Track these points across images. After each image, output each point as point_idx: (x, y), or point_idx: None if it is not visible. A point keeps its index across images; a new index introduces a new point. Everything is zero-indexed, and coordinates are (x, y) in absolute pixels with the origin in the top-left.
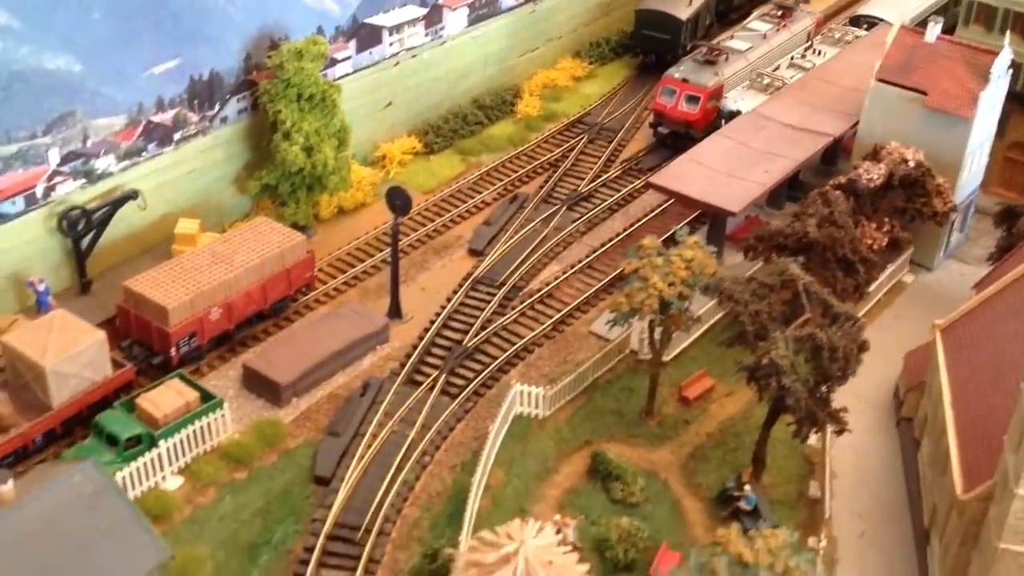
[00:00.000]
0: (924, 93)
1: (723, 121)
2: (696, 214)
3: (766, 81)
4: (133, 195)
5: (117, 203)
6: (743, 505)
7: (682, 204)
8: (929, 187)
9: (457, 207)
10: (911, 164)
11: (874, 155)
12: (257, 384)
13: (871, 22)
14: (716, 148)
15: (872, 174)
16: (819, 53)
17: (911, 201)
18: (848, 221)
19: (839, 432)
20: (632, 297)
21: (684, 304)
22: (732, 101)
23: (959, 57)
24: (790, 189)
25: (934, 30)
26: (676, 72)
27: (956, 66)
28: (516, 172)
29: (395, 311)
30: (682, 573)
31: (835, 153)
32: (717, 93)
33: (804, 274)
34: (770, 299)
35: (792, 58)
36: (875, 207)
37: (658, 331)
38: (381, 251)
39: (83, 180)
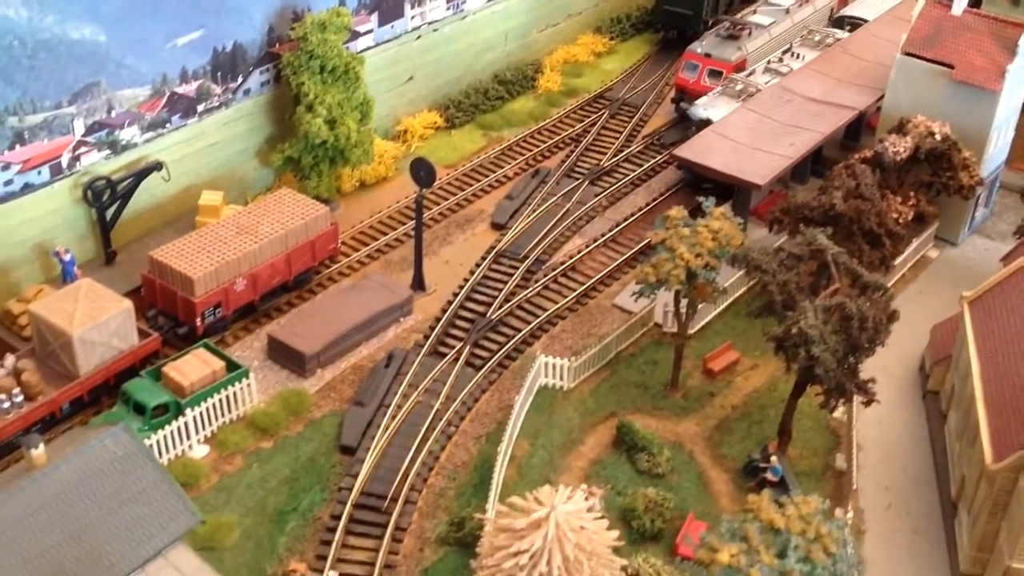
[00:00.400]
0: (950, 66)
1: (693, 129)
2: (716, 189)
3: (739, 87)
4: (157, 166)
5: (141, 174)
6: (769, 476)
7: (707, 177)
8: (955, 161)
9: (479, 181)
10: (938, 137)
11: (900, 128)
12: (282, 355)
13: (855, 23)
14: (741, 121)
15: (898, 147)
16: (798, 56)
17: (937, 175)
18: (875, 193)
19: (867, 403)
20: (659, 267)
21: (711, 275)
22: (703, 108)
23: (986, 30)
24: (814, 164)
25: (961, 3)
26: (699, 47)
27: (983, 39)
28: (538, 147)
29: (418, 283)
30: (715, 538)
31: (859, 129)
32: (740, 68)
33: (833, 244)
34: (798, 269)
35: (768, 62)
36: (900, 181)
37: (684, 302)
38: (404, 224)
39: (107, 151)
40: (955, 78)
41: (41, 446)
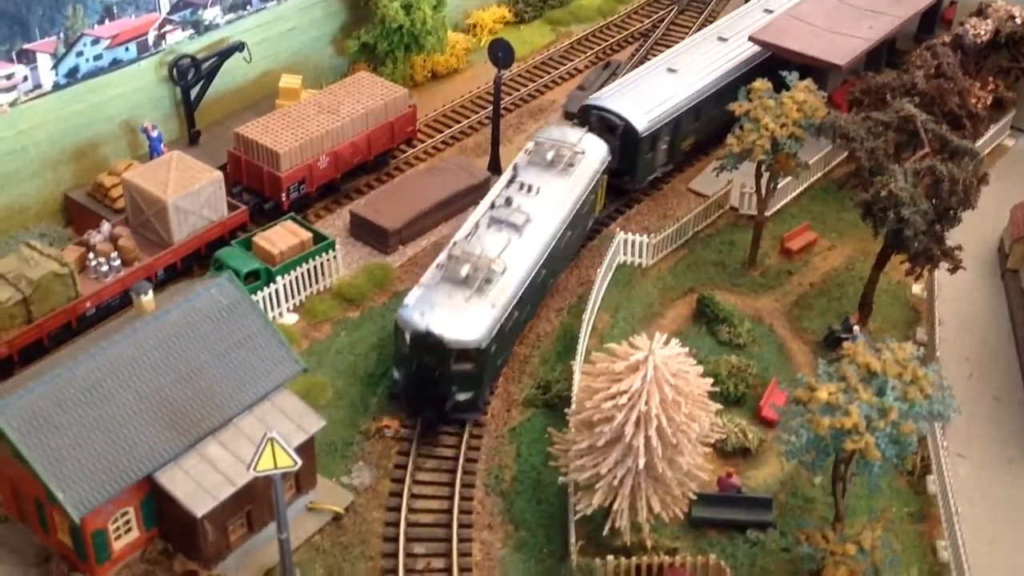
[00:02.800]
0: None
1: (405, 339)
2: None
3: (464, 271)
4: (240, 47)
5: (224, 54)
6: None
7: (784, 59)
8: None
9: (550, 73)
10: (1018, 21)
11: (980, 12)
12: (364, 231)
13: (605, 117)
14: (818, 6)
15: (979, 30)
16: (531, 190)
17: (1016, 60)
18: (957, 72)
19: (953, 269)
20: (743, 138)
21: (796, 145)
22: (417, 313)
23: None
24: (888, 55)
25: None
26: None
27: None
28: (607, 41)
29: (495, 166)
30: (811, 379)
31: (933, 21)
32: None
33: (921, 112)
34: (886, 136)
35: (492, 206)
36: (979, 66)
37: (765, 176)
38: (477, 113)
39: (191, 30)
40: None
41: (150, 292)
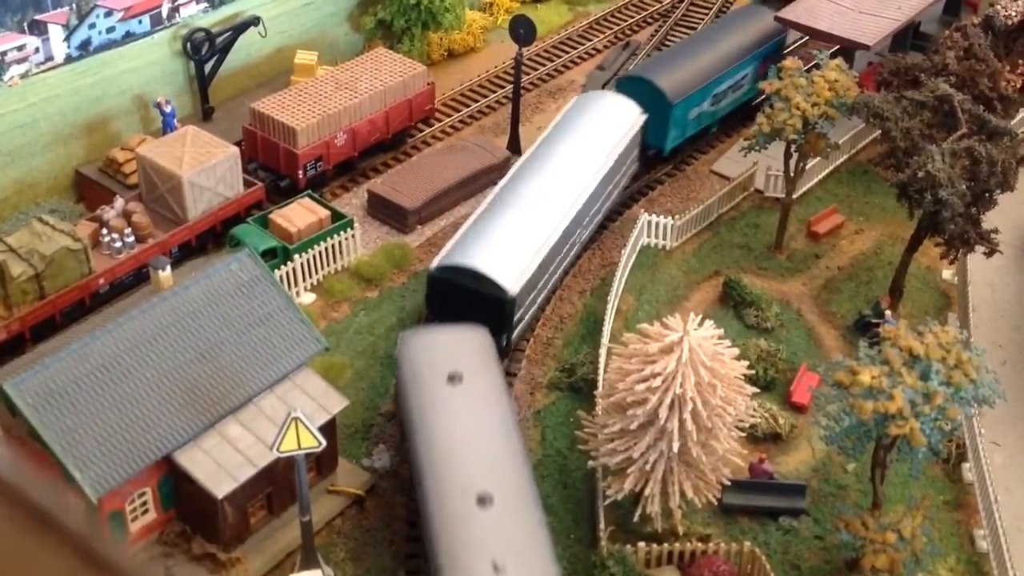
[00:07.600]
0: None
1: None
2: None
3: None
4: (255, 21)
5: (239, 28)
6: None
7: (812, 39)
8: None
9: (568, 53)
10: None
11: None
12: (382, 210)
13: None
14: None
15: (1010, 11)
16: None
17: None
18: (989, 53)
19: (989, 253)
20: (774, 117)
21: (829, 124)
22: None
23: None
24: (914, 39)
25: None
26: None
27: None
28: (626, 21)
29: (514, 146)
30: (852, 362)
31: (958, 3)
32: None
33: (957, 92)
34: (921, 116)
35: None
36: (1008, 49)
37: (794, 157)
38: (495, 92)
39: (206, 4)
40: None
41: (168, 268)
